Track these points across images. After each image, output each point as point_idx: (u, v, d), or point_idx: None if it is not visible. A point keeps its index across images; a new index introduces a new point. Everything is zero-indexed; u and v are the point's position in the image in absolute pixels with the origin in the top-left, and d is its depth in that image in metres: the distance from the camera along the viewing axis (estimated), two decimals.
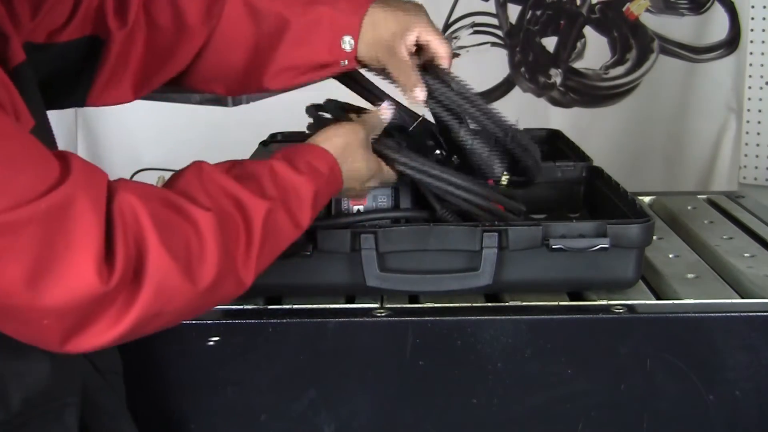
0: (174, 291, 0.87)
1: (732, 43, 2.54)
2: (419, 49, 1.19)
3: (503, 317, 1.19)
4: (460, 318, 1.19)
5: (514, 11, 2.55)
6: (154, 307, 0.85)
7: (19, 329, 0.84)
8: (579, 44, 2.56)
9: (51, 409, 0.95)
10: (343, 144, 1.11)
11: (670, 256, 1.39)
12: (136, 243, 0.84)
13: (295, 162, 1.04)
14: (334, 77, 1.25)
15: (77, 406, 0.99)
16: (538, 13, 2.55)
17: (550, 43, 2.57)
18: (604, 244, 1.19)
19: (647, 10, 2.54)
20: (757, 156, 2.61)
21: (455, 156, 1.28)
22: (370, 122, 1.19)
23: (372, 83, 1.28)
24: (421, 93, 1.18)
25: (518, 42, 2.56)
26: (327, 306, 1.22)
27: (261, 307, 1.22)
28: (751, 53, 2.56)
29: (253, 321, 1.19)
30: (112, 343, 0.85)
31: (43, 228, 0.79)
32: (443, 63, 1.19)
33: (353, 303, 1.24)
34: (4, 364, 0.90)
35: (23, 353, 0.91)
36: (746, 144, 2.60)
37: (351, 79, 1.28)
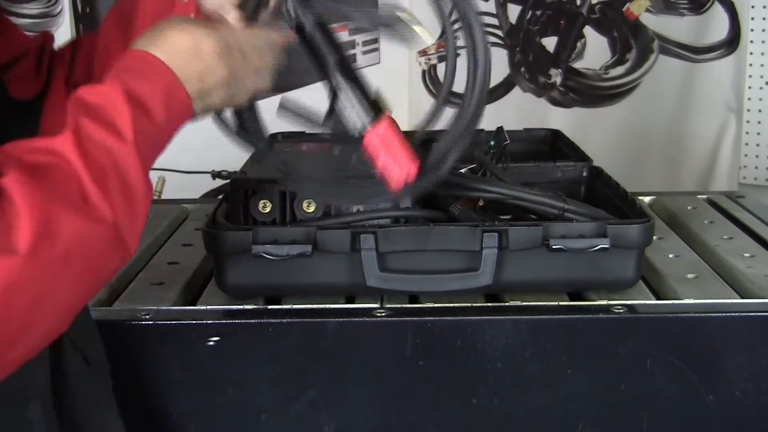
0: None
1: (732, 43, 2.54)
2: None
3: (503, 317, 1.19)
4: (460, 318, 1.19)
5: (514, 11, 2.55)
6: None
7: None
8: (579, 44, 2.56)
9: (12, 402, 0.92)
10: (159, 29, 0.93)
11: (670, 256, 1.39)
12: None
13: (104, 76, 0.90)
14: None
15: (41, 398, 0.96)
16: (538, 13, 2.55)
17: (550, 43, 2.57)
18: (604, 244, 1.19)
19: (647, 10, 2.54)
20: (757, 156, 2.61)
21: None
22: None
23: None
24: None
25: (518, 42, 2.56)
26: (327, 306, 1.22)
27: (261, 307, 1.22)
28: (751, 53, 2.56)
29: (253, 321, 1.19)
30: None
31: None
32: None
33: (353, 303, 1.24)
34: None
35: None
36: (746, 144, 2.61)
37: None
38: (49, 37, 1.17)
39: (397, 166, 0.98)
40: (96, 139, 0.82)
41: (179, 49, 0.91)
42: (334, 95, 1.03)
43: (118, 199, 0.82)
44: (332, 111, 1.03)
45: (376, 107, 1.00)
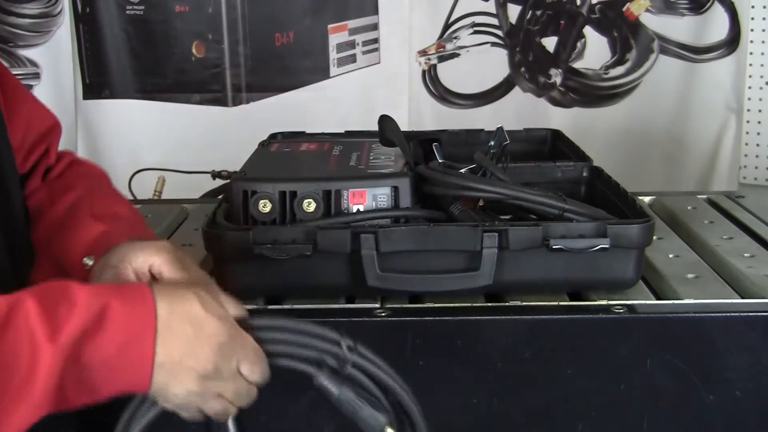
0: None
1: (732, 43, 2.54)
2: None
3: (503, 317, 1.19)
4: (460, 318, 1.19)
5: (514, 11, 2.55)
6: None
7: None
8: (579, 44, 2.56)
9: None
10: (183, 288, 0.84)
11: (670, 256, 1.39)
12: None
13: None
14: None
15: None
16: (538, 13, 2.55)
17: (550, 43, 2.57)
18: (604, 244, 1.19)
19: (647, 10, 2.54)
20: (757, 156, 2.61)
21: None
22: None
23: None
24: None
25: (518, 42, 2.56)
26: (327, 306, 1.22)
27: (261, 307, 1.22)
28: (751, 53, 2.56)
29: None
30: None
31: None
32: None
33: (353, 303, 1.24)
34: None
35: None
36: (746, 144, 2.61)
37: None
38: (53, 126, 1.18)
39: None
40: (23, 311, 0.74)
41: (183, 332, 0.80)
42: None
43: (4, 384, 0.74)
44: None
45: None
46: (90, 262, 1.01)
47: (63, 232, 1.07)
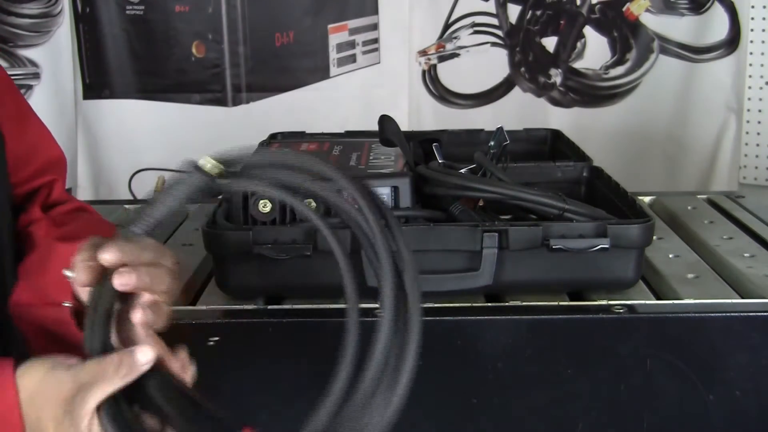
0: None
1: (732, 43, 2.54)
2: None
3: (503, 317, 1.19)
4: (460, 318, 1.19)
5: (514, 11, 2.55)
6: None
7: None
8: (579, 44, 2.56)
9: None
10: (33, 391, 0.84)
11: (670, 256, 1.39)
12: None
13: None
14: None
15: None
16: (538, 13, 2.55)
17: (550, 43, 2.57)
18: (604, 244, 1.19)
19: (647, 10, 2.54)
20: (757, 156, 2.61)
21: None
22: (95, 373, 0.86)
23: None
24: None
25: (518, 42, 2.56)
26: (327, 306, 1.22)
27: (261, 307, 1.22)
28: (751, 53, 2.56)
29: (253, 321, 1.19)
30: None
31: None
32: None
33: None
34: None
35: None
36: (746, 144, 2.60)
37: None
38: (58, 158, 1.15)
39: None
40: None
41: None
42: None
43: None
44: None
45: None
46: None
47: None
